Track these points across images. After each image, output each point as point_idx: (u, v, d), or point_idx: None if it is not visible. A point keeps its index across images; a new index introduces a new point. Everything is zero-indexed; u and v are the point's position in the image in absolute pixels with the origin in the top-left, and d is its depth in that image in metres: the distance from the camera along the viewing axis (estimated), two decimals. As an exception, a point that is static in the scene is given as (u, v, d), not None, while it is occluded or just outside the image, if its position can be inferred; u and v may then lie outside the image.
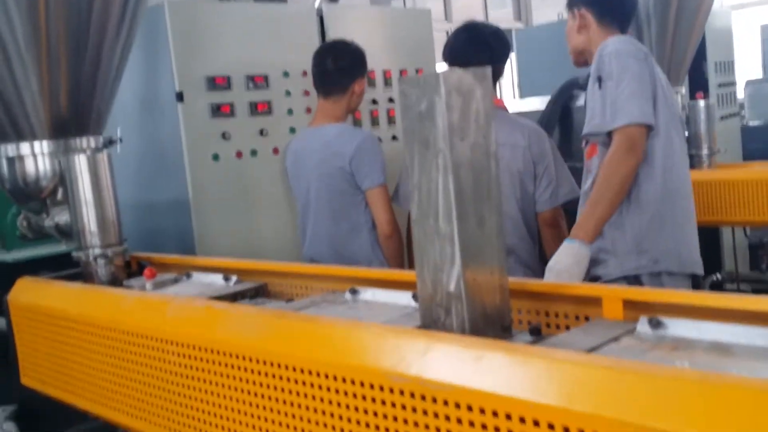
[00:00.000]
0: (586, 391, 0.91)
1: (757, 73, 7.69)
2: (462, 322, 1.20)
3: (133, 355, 1.69)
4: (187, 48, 2.82)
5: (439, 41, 3.19)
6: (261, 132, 2.97)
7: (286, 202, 3.06)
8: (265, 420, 1.35)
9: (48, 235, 2.50)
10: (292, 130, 3.05)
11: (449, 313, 1.22)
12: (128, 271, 2.31)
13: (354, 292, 1.66)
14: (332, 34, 3.19)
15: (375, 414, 1.15)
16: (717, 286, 4.15)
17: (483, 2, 9.06)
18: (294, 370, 1.27)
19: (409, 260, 2.78)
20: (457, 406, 1.03)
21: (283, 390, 1.30)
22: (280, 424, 1.32)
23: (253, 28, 3.00)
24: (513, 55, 5.39)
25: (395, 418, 1.12)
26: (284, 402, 1.30)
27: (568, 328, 1.36)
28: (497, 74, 2.73)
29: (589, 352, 1.13)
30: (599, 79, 2.23)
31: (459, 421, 1.03)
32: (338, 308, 1.60)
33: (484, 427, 1.00)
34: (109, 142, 2.45)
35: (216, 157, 2.86)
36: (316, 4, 3.31)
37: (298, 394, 1.27)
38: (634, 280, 2.24)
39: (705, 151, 3.66)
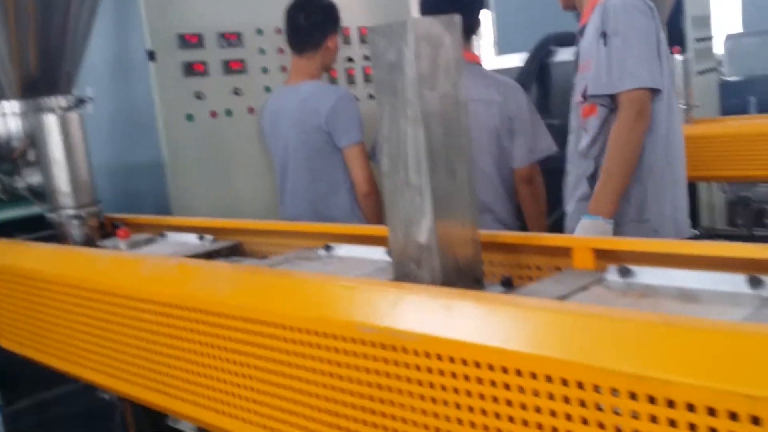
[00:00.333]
0: (554, 337, 0.91)
1: (737, 28, 7.69)
2: (434, 274, 1.20)
3: (108, 314, 1.69)
4: (157, 5, 2.76)
5: (416, -3, 3.15)
6: (235, 91, 2.93)
7: (263, 162, 3.03)
8: (239, 375, 1.36)
9: (22, 197, 2.47)
10: (267, 89, 3.02)
11: (421, 265, 1.22)
12: (102, 232, 2.30)
13: (328, 248, 1.66)
14: (305, -11, 3.14)
15: (347, 366, 1.16)
16: (694, 242, 4.18)
17: (462, -41, 8.91)
18: (266, 324, 1.27)
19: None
20: (428, 355, 1.04)
21: (256, 345, 1.30)
22: (254, 378, 1.33)
23: (225, -17, 2.95)
24: (491, 13, 5.34)
25: (367, 370, 1.12)
26: (258, 357, 1.31)
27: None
28: (471, 28, 2.70)
29: (558, 301, 1.13)
30: (604, 35, 2.11)
31: (429, 370, 1.04)
32: (312, 264, 1.60)
33: (454, 375, 1.00)
34: (80, 102, 2.41)
35: (190, 117, 2.82)
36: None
37: (271, 348, 1.28)
38: None
39: (682, 107, 3.66)
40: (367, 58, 3.42)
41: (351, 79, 3.36)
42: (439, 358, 1.02)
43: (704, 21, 4.57)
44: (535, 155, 2.68)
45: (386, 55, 1.16)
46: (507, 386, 0.94)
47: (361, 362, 1.13)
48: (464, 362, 0.99)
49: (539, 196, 2.76)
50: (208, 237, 1.99)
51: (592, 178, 2.22)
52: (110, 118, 2.96)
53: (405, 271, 1.24)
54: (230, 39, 2.92)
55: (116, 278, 1.69)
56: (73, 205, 2.18)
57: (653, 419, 0.80)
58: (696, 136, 3.36)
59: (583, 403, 0.86)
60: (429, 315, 1.06)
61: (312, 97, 2.76)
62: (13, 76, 2.24)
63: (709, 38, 4.66)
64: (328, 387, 1.20)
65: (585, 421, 0.86)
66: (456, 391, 1.00)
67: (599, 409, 0.85)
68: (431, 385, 1.03)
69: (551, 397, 0.89)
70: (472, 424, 0.99)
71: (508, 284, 1.29)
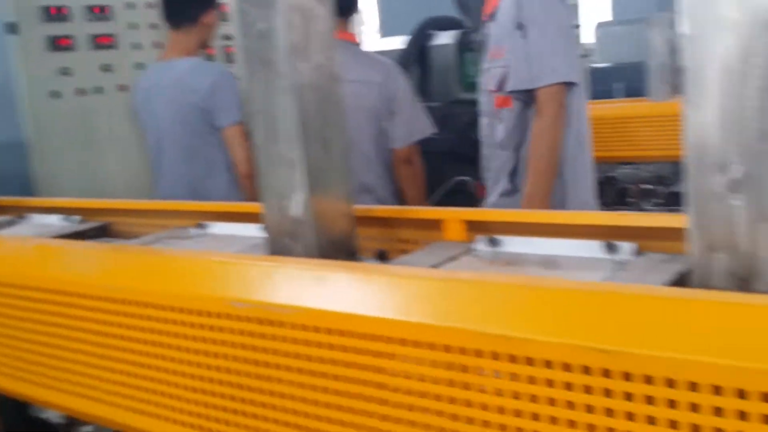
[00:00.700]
0: (422, 304, 0.93)
1: (607, 16, 8.10)
2: (309, 248, 1.20)
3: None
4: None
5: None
6: (105, 68, 2.80)
7: (136, 141, 2.91)
8: (108, 359, 1.30)
9: None
10: (140, 66, 2.90)
11: (296, 239, 1.21)
12: (-43, 215, 2.14)
13: (201, 226, 1.62)
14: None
15: (223, 343, 1.13)
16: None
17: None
18: (134, 304, 1.22)
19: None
20: (304, 328, 1.03)
21: (124, 326, 1.25)
22: (124, 361, 1.28)
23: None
24: (374, -4, 5.36)
25: (243, 346, 1.10)
26: (127, 339, 1.26)
27: (415, 252, 1.39)
28: (349, 8, 2.69)
29: (426, 269, 1.16)
30: (521, 26, 2.08)
31: (307, 343, 1.03)
32: (184, 243, 1.55)
33: (331, 347, 1.00)
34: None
35: (56, 94, 2.68)
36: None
37: (141, 329, 1.23)
38: None
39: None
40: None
41: (230, 58, 3.28)
42: (316, 330, 1.02)
43: (572, 9, 4.77)
44: (413, 136, 2.71)
45: (257, 25, 1.14)
46: (379, 354, 0.95)
47: (237, 338, 1.11)
48: (339, 333, 1.00)
49: (418, 177, 2.80)
50: (75, 218, 1.90)
51: (514, 174, 2.24)
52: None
53: (279, 246, 1.23)
54: (98, 12, 2.78)
55: (-29, 262, 1.58)
56: None
57: (514, 377, 0.84)
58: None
59: (450, 366, 0.88)
60: (302, 287, 1.05)
61: (189, 74, 2.68)
62: None
63: (577, 26, 4.87)
64: (203, 366, 1.17)
65: (451, 383, 0.88)
66: (334, 362, 1.00)
67: (465, 371, 0.87)
68: (309, 358, 1.03)
69: (420, 362, 0.91)
70: (349, 394, 1.00)
71: (382, 257, 1.30)
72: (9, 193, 2.59)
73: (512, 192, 2.22)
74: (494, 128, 2.32)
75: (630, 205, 3.47)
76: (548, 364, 0.81)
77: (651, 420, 0.75)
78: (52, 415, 1.76)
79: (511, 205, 2.16)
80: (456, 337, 0.87)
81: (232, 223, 1.59)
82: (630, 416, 0.76)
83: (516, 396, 0.84)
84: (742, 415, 0.70)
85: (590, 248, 1.13)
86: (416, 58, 3.80)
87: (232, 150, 2.71)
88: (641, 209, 3.40)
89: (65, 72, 2.68)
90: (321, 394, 1.03)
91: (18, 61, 2.59)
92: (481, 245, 1.24)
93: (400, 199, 2.84)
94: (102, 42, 2.79)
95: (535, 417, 0.83)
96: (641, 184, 3.53)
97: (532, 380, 0.82)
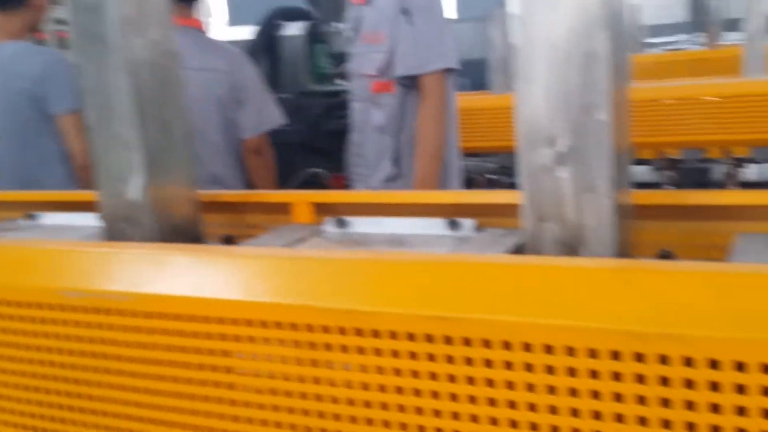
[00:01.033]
0: (267, 282, 0.92)
1: (452, 14, 8.38)
2: (148, 234, 1.14)
3: None
4: None
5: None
6: None
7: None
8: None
9: None
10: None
11: (134, 225, 1.15)
12: None
13: (31, 217, 1.50)
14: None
15: (56, 336, 1.06)
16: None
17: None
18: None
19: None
20: (146, 315, 0.99)
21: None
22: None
23: None
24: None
25: (79, 338, 1.04)
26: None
27: (263, 237, 1.37)
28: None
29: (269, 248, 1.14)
30: (406, 11, 2.11)
31: (149, 331, 0.98)
32: (11, 235, 1.43)
33: (176, 334, 0.96)
34: None
35: None
36: None
37: (-39, 326, 1.13)
38: None
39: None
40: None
41: (63, 44, 3.08)
42: (160, 316, 0.97)
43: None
44: (263, 126, 2.67)
45: (85, -4, 1.07)
46: (224, 337, 0.93)
47: (71, 331, 1.04)
48: (180, 317, 0.96)
49: (269, 168, 2.77)
50: None
51: (397, 160, 2.26)
52: None
53: (116, 232, 1.17)
54: None
55: None
56: None
57: (361, 351, 0.84)
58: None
59: (297, 344, 0.88)
60: (139, 273, 1.00)
61: (16, 59, 2.49)
62: None
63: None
64: (35, 362, 1.09)
65: (299, 362, 0.88)
66: (180, 349, 0.96)
67: (313, 347, 0.87)
68: (153, 347, 0.98)
69: (267, 341, 0.90)
70: (190, 381, 0.96)
71: (229, 243, 1.27)
72: None
73: (397, 177, 2.26)
74: (369, 113, 2.33)
75: (476, 194, 3.61)
76: (393, 335, 0.82)
77: (490, 383, 0.78)
78: None
79: (397, 189, 2.20)
80: (303, 315, 0.87)
81: (66, 213, 1.49)
82: (471, 380, 0.79)
83: (363, 369, 0.84)
84: (572, 372, 0.74)
85: (434, 226, 1.16)
86: (265, 49, 3.75)
87: (67, 139, 2.55)
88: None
89: None
90: (168, 383, 0.98)
91: None
92: (329, 227, 1.24)
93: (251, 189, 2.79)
94: None
95: (382, 389, 0.84)
96: (487, 174, 3.69)
97: (378, 352, 0.83)
